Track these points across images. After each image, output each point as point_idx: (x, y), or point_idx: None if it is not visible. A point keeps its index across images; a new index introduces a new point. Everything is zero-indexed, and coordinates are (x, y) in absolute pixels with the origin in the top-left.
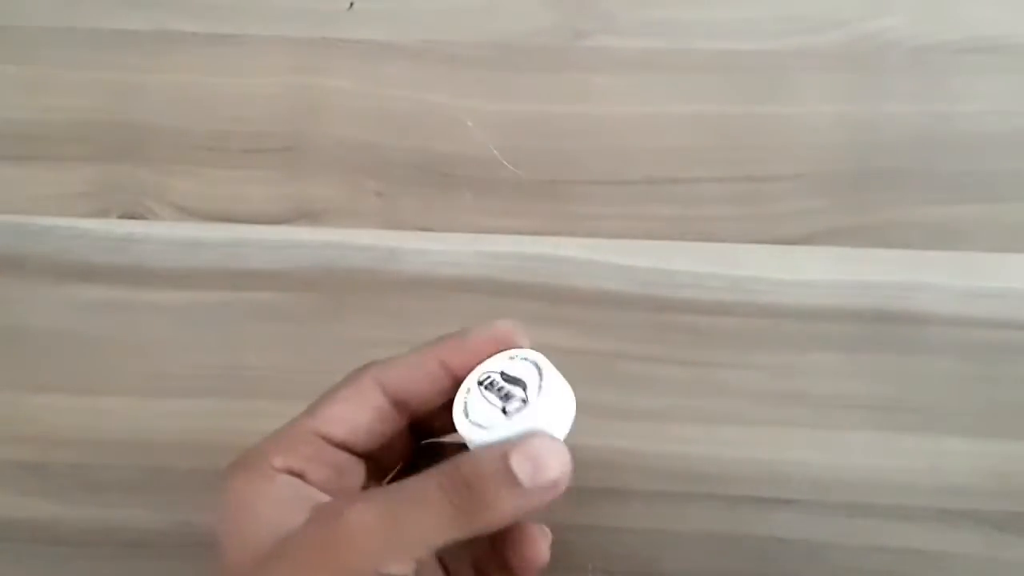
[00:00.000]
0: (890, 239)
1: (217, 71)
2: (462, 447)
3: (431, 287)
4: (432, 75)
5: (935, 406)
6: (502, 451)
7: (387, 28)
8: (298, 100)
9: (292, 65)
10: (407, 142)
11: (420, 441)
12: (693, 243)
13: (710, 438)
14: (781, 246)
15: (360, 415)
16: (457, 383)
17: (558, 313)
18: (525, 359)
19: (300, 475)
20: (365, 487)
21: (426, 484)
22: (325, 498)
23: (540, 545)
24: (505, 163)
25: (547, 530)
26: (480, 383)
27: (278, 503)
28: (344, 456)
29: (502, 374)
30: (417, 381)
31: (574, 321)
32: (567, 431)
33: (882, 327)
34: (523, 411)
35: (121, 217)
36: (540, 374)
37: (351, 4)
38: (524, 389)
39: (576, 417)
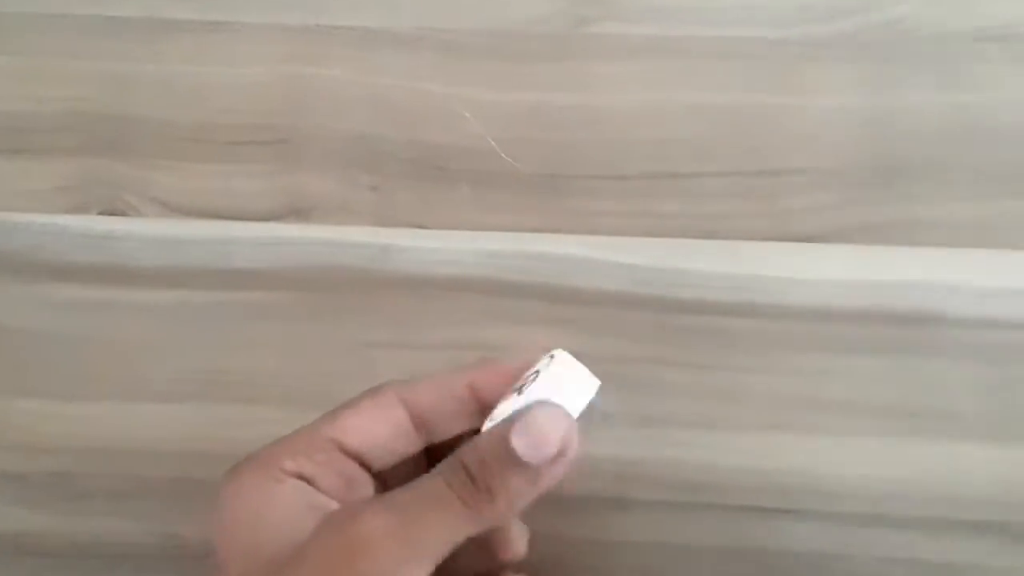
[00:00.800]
0: (907, 236)
1: (207, 59)
2: None
3: (427, 286)
4: (428, 64)
5: (951, 411)
6: (500, 431)
7: (383, 14)
8: (289, 90)
9: (284, 53)
10: (402, 134)
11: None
12: (699, 240)
13: (713, 444)
14: (791, 244)
15: (379, 429)
16: (484, 411)
17: (558, 313)
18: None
19: (310, 480)
20: None
21: (434, 482)
22: (334, 506)
23: (519, 546)
24: (504, 156)
25: (526, 529)
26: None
27: (287, 509)
28: (356, 468)
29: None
30: (442, 402)
31: (574, 321)
32: (582, 404)
33: (897, 329)
34: (528, 386)
35: (101, 213)
36: (552, 357)
37: None
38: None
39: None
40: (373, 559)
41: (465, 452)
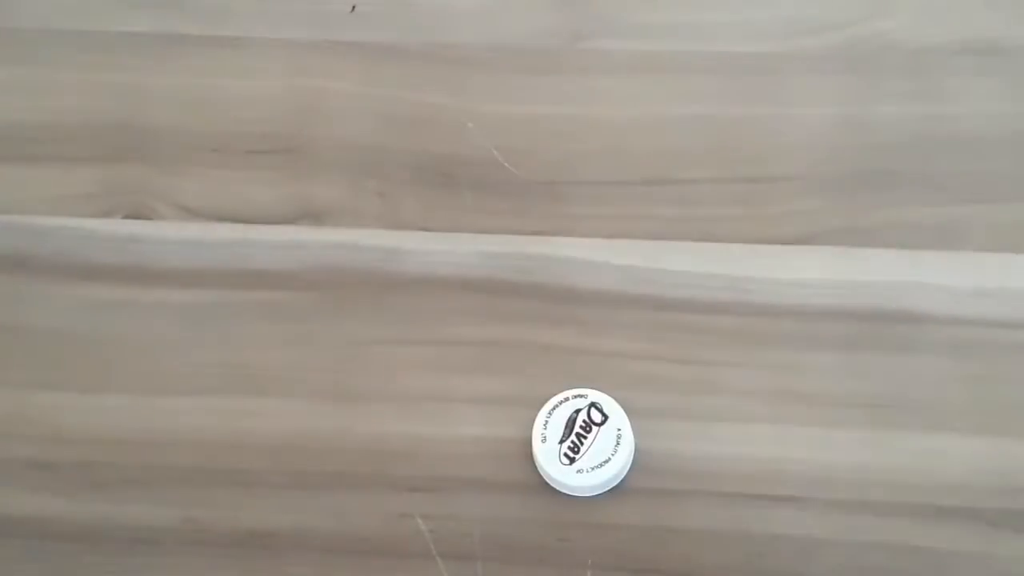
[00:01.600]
0: (887, 239)
1: (221, 73)
2: None
3: (432, 286)
4: (433, 77)
5: (931, 405)
6: None
7: (389, 30)
8: (301, 102)
9: (295, 67)
10: (408, 143)
11: None
12: (691, 243)
13: (707, 436)
14: (779, 246)
15: None
16: None
17: (558, 313)
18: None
19: None
20: None
21: None
22: None
23: None
24: (505, 164)
25: None
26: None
27: None
28: None
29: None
30: None
31: (573, 321)
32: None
33: (878, 326)
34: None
35: (126, 217)
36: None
37: (353, 7)
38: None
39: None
40: None
41: None
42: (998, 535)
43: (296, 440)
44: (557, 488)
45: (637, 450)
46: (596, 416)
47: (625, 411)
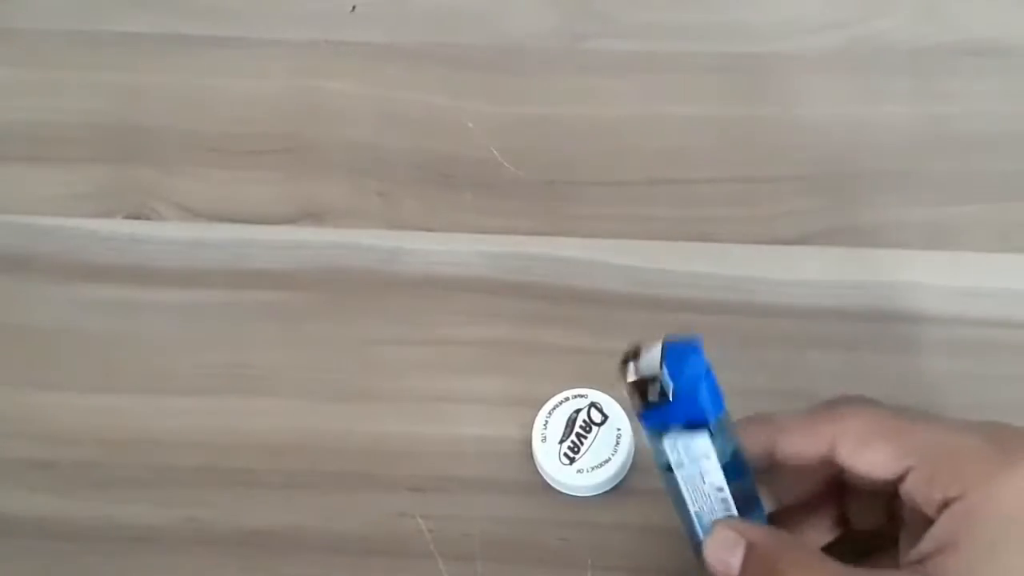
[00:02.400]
0: (886, 239)
1: (221, 73)
2: None
3: (432, 286)
4: (433, 77)
5: (931, 404)
6: None
7: (388, 30)
8: (301, 102)
9: (295, 67)
10: (408, 143)
11: None
12: (691, 243)
13: None
14: (779, 246)
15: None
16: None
17: (557, 313)
18: None
19: None
20: None
21: None
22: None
23: None
24: (505, 164)
25: None
26: None
27: None
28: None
29: None
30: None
31: (573, 321)
32: None
33: (878, 326)
34: None
35: (127, 217)
36: None
37: (353, 7)
38: None
39: None
40: None
41: None
42: None
43: (296, 440)
44: (557, 488)
45: (637, 450)
46: (596, 416)
47: (625, 411)
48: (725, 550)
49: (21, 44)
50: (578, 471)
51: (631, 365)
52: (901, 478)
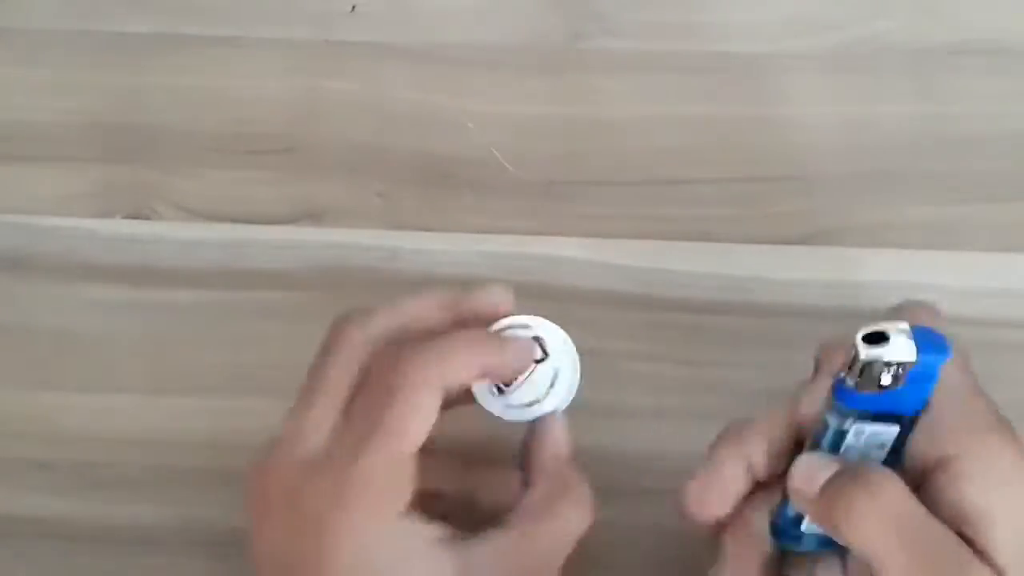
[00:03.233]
0: (886, 239)
1: (220, 73)
2: None
3: (433, 286)
4: (433, 77)
5: None
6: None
7: (389, 30)
8: (300, 102)
9: (294, 67)
10: (408, 143)
11: None
12: (691, 243)
13: (707, 436)
14: (779, 246)
15: (433, 420)
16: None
17: (557, 313)
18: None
19: (418, 507)
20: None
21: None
22: (436, 526)
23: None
24: (505, 164)
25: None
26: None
27: (417, 554)
28: (432, 460)
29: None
30: (463, 385)
31: (573, 320)
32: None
33: None
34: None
35: (126, 217)
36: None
37: (353, 7)
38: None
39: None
40: None
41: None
42: None
43: None
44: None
45: (637, 450)
46: (536, 352)
47: (624, 411)
48: (816, 469)
49: (20, 44)
50: (507, 405)
51: (873, 347)
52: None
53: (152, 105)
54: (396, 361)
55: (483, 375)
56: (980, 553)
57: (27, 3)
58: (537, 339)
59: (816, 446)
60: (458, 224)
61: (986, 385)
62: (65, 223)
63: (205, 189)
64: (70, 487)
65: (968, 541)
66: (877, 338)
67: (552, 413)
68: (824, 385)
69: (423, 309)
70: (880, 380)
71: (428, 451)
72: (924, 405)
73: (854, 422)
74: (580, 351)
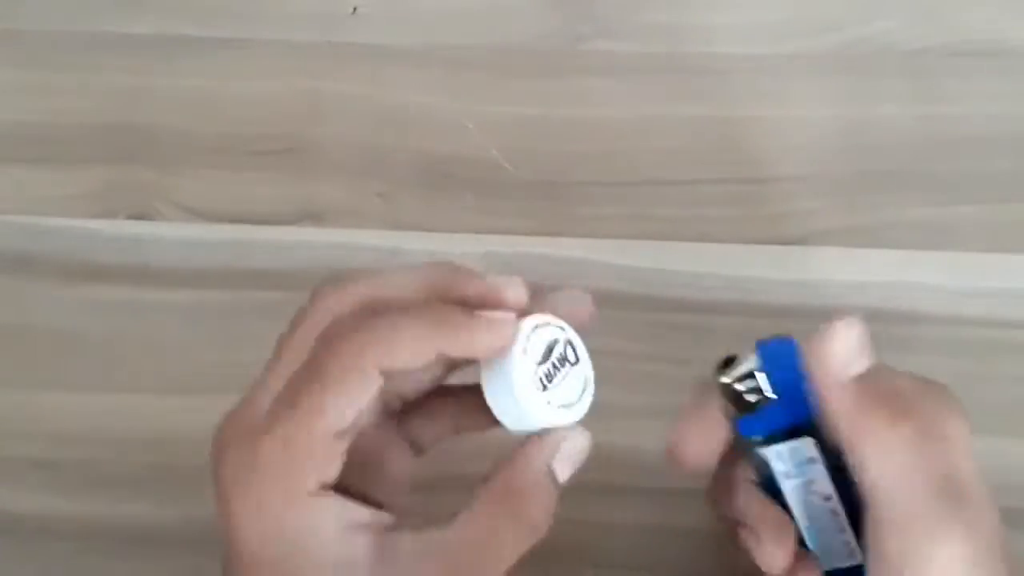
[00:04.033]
0: (885, 239)
1: (222, 74)
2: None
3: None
4: (434, 78)
5: None
6: (543, 467)
7: (389, 32)
8: (302, 103)
9: (296, 68)
10: (409, 144)
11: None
12: (691, 243)
13: None
14: (778, 246)
15: (362, 400)
16: (449, 370)
17: None
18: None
19: (334, 487)
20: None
21: (479, 527)
22: (366, 516)
23: None
24: (505, 164)
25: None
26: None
27: (327, 535)
28: (359, 445)
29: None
30: (416, 372)
31: None
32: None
33: (877, 326)
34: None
35: (129, 218)
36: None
37: (354, 8)
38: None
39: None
40: None
41: (511, 495)
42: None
43: None
44: (505, 411)
45: (636, 450)
46: (571, 354)
47: (624, 411)
48: (854, 349)
49: (22, 45)
50: (547, 402)
51: (725, 371)
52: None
53: (154, 106)
54: (332, 339)
55: (439, 356)
56: None
57: (29, 4)
58: (570, 341)
59: (763, 481)
60: (458, 224)
61: (985, 385)
62: (67, 223)
63: (206, 189)
64: (72, 487)
65: None
66: (728, 363)
67: (571, 426)
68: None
69: (409, 285)
70: (748, 398)
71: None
72: (811, 407)
73: (767, 446)
74: None
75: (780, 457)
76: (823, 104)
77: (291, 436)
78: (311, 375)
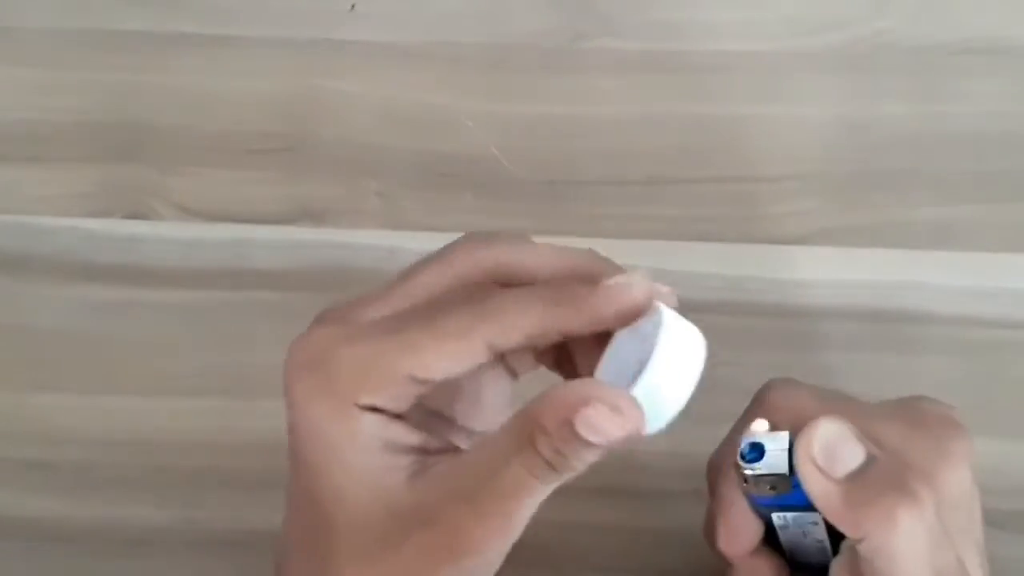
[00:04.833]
0: (887, 239)
1: (219, 72)
2: None
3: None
4: (433, 76)
5: None
6: (566, 415)
7: (388, 29)
8: (300, 101)
9: (294, 66)
10: (408, 143)
11: None
12: (692, 243)
13: (707, 437)
14: (779, 246)
15: (460, 367)
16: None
17: None
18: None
19: (384, 411)
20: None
21: (511, 471)
22: (413, 440)
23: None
24: (505, 163)
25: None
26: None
27: (367, 452)
28: (430, 402)
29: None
30: (527, 349)
31: None
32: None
33: (879, 327)
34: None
35: (125, 217)
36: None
37: (352, 5)
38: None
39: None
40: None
41: (537, 437)
42: (998, 535)
43: None
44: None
45: (636, 451)
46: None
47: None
48: (841, 449)
49: (19, 43)
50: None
51: (749, 464)
52: None
53: (151, 104)
54: (452, 303)
55: (545, 334)
56: None
57: (26, 2)
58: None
59: (755, 507)
60: (458, 224)
61: (986, 385)
62: (64, 223)
63: (204, 189)
64: (70, 488)
65: None
66: (757, 447)
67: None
68: None
69: (549, 262)
70: (769, 486)
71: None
72: None
73: (772, 511)
74: None
75: (783, 519)
76: (825, 102)
77: (372, 359)
78: (420, 322)
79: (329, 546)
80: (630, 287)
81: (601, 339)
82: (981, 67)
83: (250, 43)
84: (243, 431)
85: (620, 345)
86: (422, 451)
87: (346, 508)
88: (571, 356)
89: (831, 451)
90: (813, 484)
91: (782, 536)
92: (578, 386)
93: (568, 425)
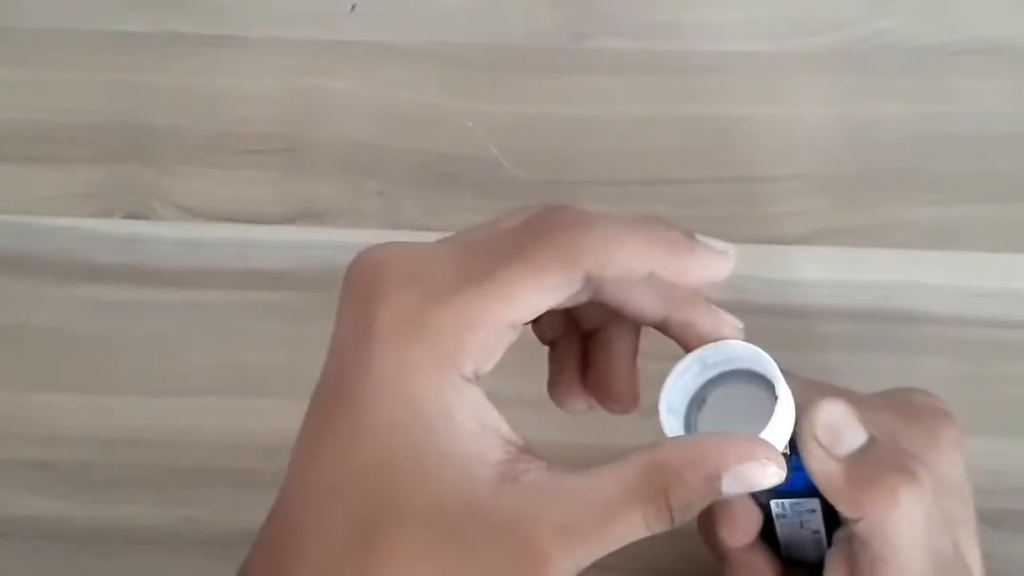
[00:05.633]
0: (887, 239)
1: (220, 73)
2: None
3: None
4: (433, 76)
5: None
6: (712, 474)
7: (389, 30)
8: (300, 101)
9: (294, 67)
10: (408, 143)
11: None
12: None
13: None
14: (779, 246)
15: (555, 302)
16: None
17: None
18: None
19: (482, 375)
20: None
21: (629, 514)
22: (499, 418)
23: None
24: (505, 164)
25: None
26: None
27: (464, 425)
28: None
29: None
30: (627, 289)
31: None
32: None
33: (879, 326)
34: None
35: (125, 217)
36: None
37: (353, 6)
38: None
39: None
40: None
41: (672, 488)
42: (995, 534)
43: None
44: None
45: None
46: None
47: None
48: (842, 428)
49: (19, 43)
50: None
51: None
52: None
53: (151, 104)
54: (551, 229)
55: (650, 275)
56: None
57: (25, 2)
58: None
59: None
60: (458, 224)
61: (985, 385)
62: (64, 223)
63: (204, 189)
64: (70, 488)
65: None
66: None
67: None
68: None
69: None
70: None
71: None
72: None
73: (771, 498)
74: None
75: (781, 507)
76: (825, 102)
77: (468, 312)
78: (513, 256)
79: (388, 529)
80: (726, 253)
81: (601, 339)
82: (981, 67)
83: (250, 43)
84: (243, 431)
85: (687, 376)
86: (508, 440)
87: (426, 490)
88: (563, 345)
89: (834, 430)
90: (816, 462)
91: (779, 527)
92: (734, 442)
93: (715, 479)
